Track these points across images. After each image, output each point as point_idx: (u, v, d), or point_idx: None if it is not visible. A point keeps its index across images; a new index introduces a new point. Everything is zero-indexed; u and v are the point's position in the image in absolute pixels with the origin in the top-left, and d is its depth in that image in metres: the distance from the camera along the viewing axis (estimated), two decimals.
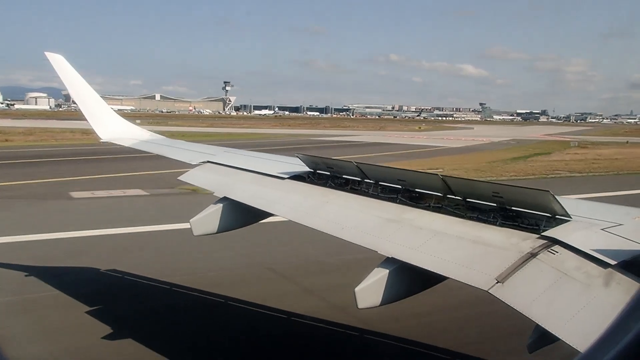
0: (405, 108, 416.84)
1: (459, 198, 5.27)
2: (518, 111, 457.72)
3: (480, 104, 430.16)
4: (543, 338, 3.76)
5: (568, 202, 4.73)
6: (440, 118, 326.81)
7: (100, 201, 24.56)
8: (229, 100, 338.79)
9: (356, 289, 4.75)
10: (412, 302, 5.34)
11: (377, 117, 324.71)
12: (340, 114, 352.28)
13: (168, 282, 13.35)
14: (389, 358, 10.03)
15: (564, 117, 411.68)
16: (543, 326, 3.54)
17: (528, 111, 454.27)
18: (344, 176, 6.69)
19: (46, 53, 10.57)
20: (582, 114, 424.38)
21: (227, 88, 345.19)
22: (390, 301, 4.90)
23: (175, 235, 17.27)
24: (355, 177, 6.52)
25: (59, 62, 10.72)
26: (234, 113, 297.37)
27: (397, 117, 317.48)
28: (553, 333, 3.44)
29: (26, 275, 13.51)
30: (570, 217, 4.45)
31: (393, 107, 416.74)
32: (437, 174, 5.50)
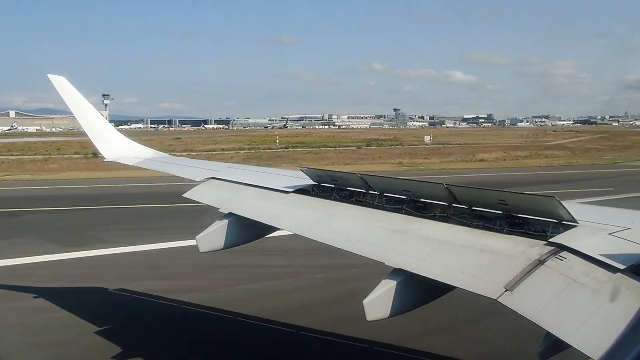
0: (335, 117, 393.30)
1: (464, 207, 5.29)
2: (465, 116, 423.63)
3: (395, 110, 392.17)
4: (554, 345, 3.74)
5: (574, 207, 4.68)
6: (316, 127, 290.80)
7: None
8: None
9: (364, 301, 4.68)
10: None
11: (263, 127, 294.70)
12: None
13: None
14: None
15: (499, 122, 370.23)
16: (554, 333, 3.52)
17: (474, 116, 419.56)
18: (348, 188, 6.73)
19: (49, 75, 10.71)
20: (530, 117, 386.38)
21: (106, 102, 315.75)
22: (399, 312, 4.86)
23: None
24: (360, 188, 6.54)
25: (61, 84, 10.80)
26: None
27: (272, 127, 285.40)
28: (564, 340, 3.42)
29: None
30: (577, 223, 4.43)
31: (322, 117, 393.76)
32: (442, 183, 5.39)
